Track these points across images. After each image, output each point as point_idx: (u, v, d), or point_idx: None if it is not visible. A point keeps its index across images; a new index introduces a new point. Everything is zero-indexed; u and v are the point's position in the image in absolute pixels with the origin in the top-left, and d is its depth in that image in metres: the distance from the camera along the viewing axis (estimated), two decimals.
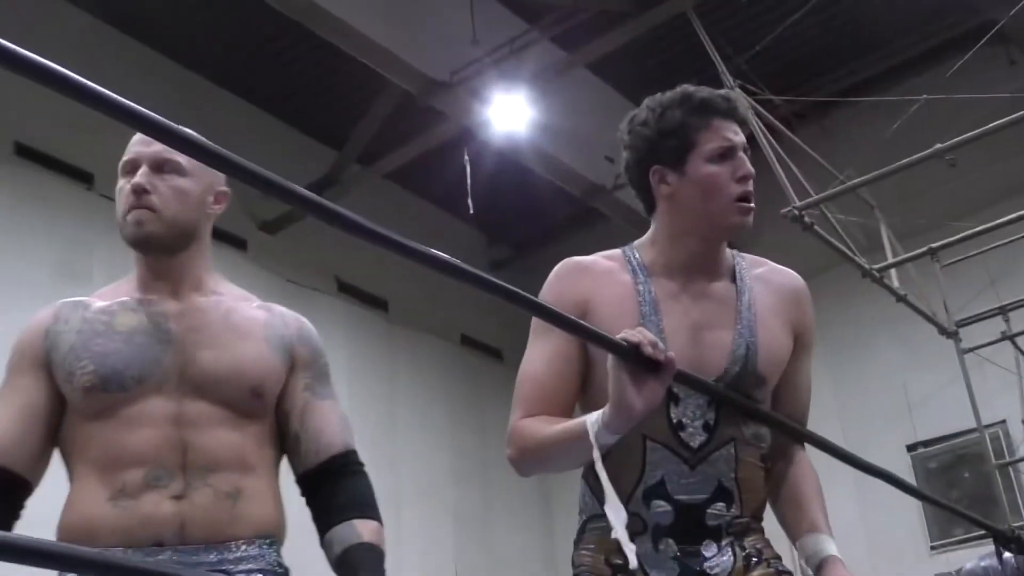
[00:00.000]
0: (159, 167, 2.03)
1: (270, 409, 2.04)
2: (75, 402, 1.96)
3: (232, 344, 2.01)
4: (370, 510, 2.01)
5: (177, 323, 2.01)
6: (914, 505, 8.63)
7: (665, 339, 1.86)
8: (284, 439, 2.07)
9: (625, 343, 1.63)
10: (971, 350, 7.23)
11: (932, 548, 8.81)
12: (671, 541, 1.90)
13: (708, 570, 1.90)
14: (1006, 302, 7.46)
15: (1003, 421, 8.35)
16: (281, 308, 2.16)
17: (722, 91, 2.11)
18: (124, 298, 2.05)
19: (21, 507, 1.97)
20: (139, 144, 2.05)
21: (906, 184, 7.56)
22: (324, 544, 1.98)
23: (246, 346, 2.02)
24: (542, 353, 1.98)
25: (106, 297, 2.06)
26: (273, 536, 1.97)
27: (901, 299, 7.15)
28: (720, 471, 1.92)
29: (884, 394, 9.29)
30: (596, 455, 1.75)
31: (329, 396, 2.11)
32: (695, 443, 1.91)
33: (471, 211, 8.60)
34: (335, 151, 9.18)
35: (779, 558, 1.97)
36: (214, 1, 8.10)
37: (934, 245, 7.00)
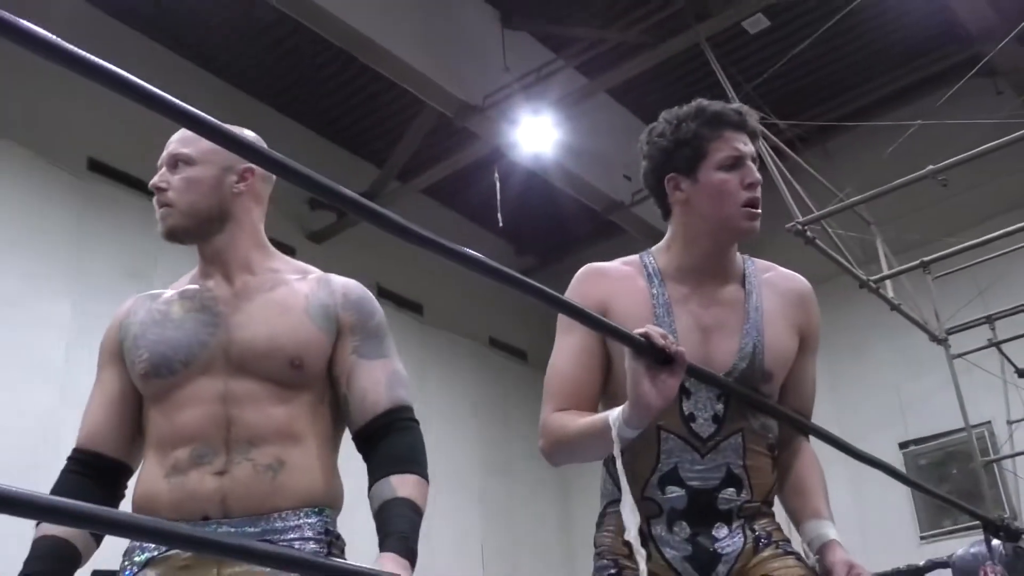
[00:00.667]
0: (173, 164, 1.99)
1: (317, 378, 1.93)
2: (139, 388, 1.94)
3: (271, 319, 1.92)
4: (408, 464, 1.88)
5: (226, 305, 1.94)
6: (905, 498, 8.57)
7: (677, 338, 1.85)
8: (338, 405, 1.96)
9: (641, 337, 1.62)
10: (960, 356, 7.20)
11: (922, 538, 8.73)
12: (684, 523, 1.89)
13: (719, 550, 1.89)
14: (993, 312, 7.44)
15: (989, 422, 8.27)
16: (334, 277, 2.05)
17: (735, 105, 2.09)
18: (184, 287, 2.01)
19: (123, 487, 1.97)
20: (167, 147, 2.02)
21: (901, 202, 7.53)
22: (371, 496, 1.86)
23: (285, 320, 1.92)
24: (568, 348, 1.98)
25: (175, 287, 2.03)
26: (321, 505, 1.87)
27: (895, 308, 7.12)
28: (729, 459, 1.91)
29: (879, 395, 9.23)
30: (616, 451, 1.75)
31: (379, 355, 1.98)
32: (705, 433, 1.91)
33: (500, 224, 8.60)
34: (377, 168, 9.21)
35: (788, 541, 1.95)
36: (268, 31, 8.15)
37: (926, 259, 6.99)
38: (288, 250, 8.57)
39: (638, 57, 7.80)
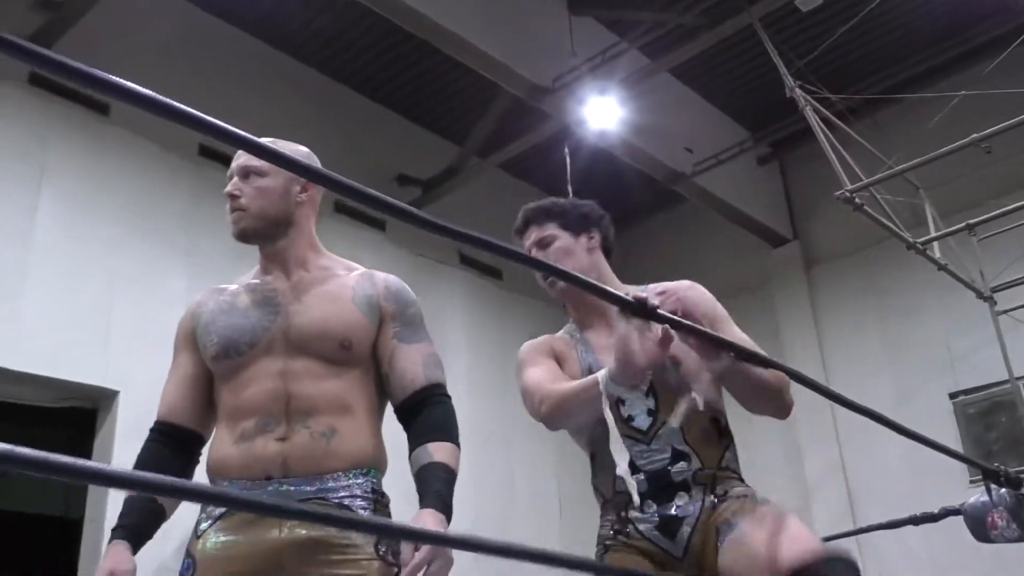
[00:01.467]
0: (245, 175, 2.13)
1: (363, 358, 2.06)
2: (212, 369, 2.08)
3: (323, 307, 2.06)
4: (442, 433, 2.00)
5: (284, 297, 2.09)
6: (955, 444, 8.40)
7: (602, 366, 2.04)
8: (381, 381, 2.09)
9: (631, 298, 1.65)
10: (1004, 312, 7.05)
11: (971, 482, 8.57)
12: (651, 501, 2.05)
13: (679, 514, 2.02)
14: None
15: None
16: (376, 272, 2.19)
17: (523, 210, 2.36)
18: (248, 282, 2.16)
19: (198, 454, 2.12)
20: (234, 160, 2.16)
21: (947, 169, 7.33)
22: (411, 461, 2.00)
23: (335, 307, 2.07)
24: (536, 368, 2.21)
25: (240, 282, 2.18)
26: (369, 467, 1.99)
27: (942, 268, 6.97)
28: (671, 440, 2.06)
29: (930, 350, 9.05)
30: (604, 402, 1.91)
31: (416, 340, 2.11)
32: (644, 426, 2.08)
33: (571, 195, 8.60)
34: (457, 146, 9.26)
35: (747, 496, 2.04)
36: (356, 21, 8.23)
37: (971, 221, 6.82)
38: (379, 224, 8.74)
39: (696, 39, 7.69)
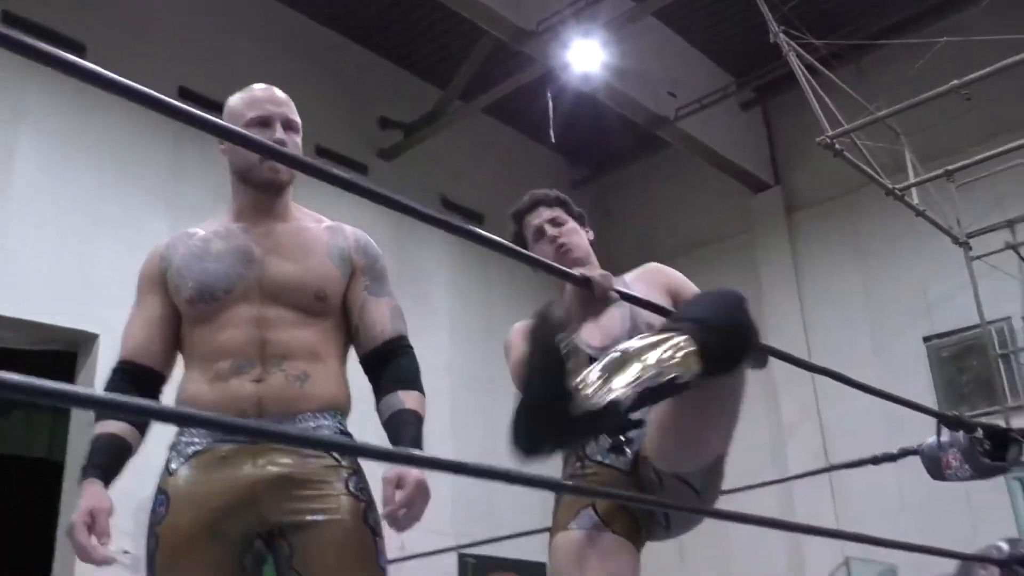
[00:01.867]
0: (288, 126, 2.16)
1: (335, 309, 2.13)
2: (183, 311, 2.11)
3: (300, 259, 2.11)
4: (411, 383, 2.09)
5: (259, 246, 2.11)
6: (928, 389, 8.54)
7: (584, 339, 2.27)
8: (350, 331, 2.16)
9: (581, 275, 1.87)
10: (978, 257, 7.11)
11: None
12: (604, 436, 2.21)
13: (628, 439, 2.19)
14: (1011, 217, 7.32)
15: (1008, 318, 8.16)
16: (345, 226, 2.24)
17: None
18: (220, 227, 2.17)
19: (159, 393, 2.14)
20: (269, 103, 2.17)
21: (929, 115, 7.31)
22: (378, 412, 2.07)
23: (311, 260, 2.12)
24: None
25: (207, 228, 2.19)
26: (337, 408, 2.07)
27: (920, 214, 7.00)
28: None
29: (906, 295, 9.13)
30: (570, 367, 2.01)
31: (384, 294, 2.19)
32: None
33: (553, 139, 8.56)
34: (440, 89, 9.17)
35: None
36: None
37: (950, 167, 6.83)
38: (361, 168, 8.68)
39: None
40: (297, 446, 1.94)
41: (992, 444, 2.13)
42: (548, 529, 2.23)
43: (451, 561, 8.06)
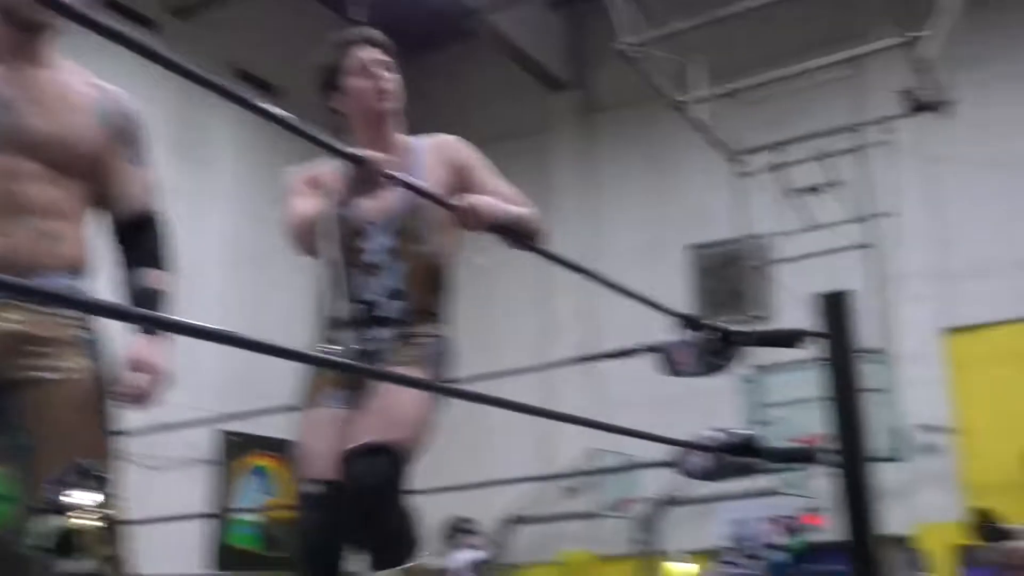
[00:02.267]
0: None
1: (90, 171, 2.03)
2: None
3: (63, 114, 1.98)
4: (164, 261, 2.10)
5: (16, 92, 1.94)
6: (682, 296, 8.99)
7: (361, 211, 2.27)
8: (102, 197, 2.08)
9: (361, 156, 1.90)
10: (745, 175, 7.52)
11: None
12: (355, 329, 2.25)
13: (370, 348, 2.23)
14: (778, 139, 7.69)
15: (768, 235, 8.66)
16: (109, 86, 2.11)
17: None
18: None
19: None
20: None
21: (725, 34, 7.50)
22: (125, 283, 2.07)
23: (74, 116, 1.99)
24: (297, 197, 2.39)
25: None
26: (80, 269, 2.02)
27: (696, 128, 7.30)
28: (394, 279, 2.26)
29: (679, 204, 9.67)
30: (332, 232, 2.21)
31: (141, 163, 2.12)
32: (375, 260, 2.27)
33: (357, 19, 8.33)
34: None
35: (427, 343, 2.28)
36: None
37: (733, 86, 7.12)
38: (152, 25, 8.15)
39: None
40: (38, 302, 1.87)
41: (723, 345, 2.37)
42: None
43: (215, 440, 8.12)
